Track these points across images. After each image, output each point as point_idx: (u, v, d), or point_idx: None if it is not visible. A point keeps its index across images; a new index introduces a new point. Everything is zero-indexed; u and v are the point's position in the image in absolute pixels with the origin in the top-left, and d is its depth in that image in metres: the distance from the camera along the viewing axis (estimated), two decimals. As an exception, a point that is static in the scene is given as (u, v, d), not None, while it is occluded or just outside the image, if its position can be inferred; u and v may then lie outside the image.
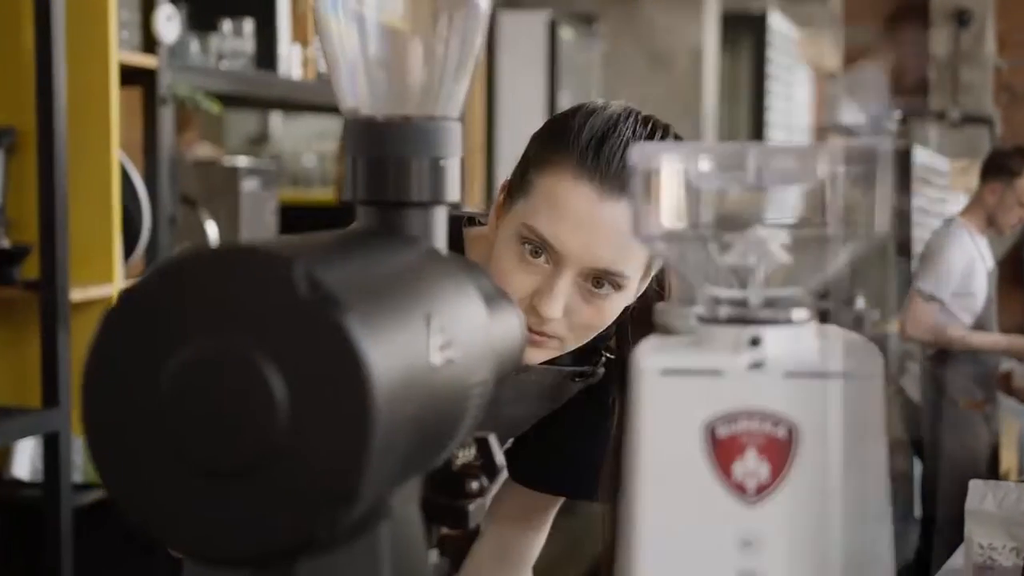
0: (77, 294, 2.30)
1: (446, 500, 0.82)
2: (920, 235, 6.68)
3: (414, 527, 0.69)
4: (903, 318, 4.19)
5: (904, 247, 6.31)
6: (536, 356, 1.25)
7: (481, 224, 1.37)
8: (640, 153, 0.68)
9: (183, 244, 2.76)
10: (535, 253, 1.20)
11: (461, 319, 0.71)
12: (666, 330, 0.78)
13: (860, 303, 5.59)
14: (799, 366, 0.65)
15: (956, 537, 4.22)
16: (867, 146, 0.65)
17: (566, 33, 5.30)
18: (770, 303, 0.68)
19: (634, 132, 1.22)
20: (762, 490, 0.65)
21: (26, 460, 2.51)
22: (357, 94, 0.76)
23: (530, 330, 1.21)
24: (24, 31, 2.29)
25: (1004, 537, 1.90)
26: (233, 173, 2.95)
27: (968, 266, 4.12)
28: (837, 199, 0.68)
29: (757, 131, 6.86)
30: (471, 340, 0.72)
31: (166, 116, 2.54)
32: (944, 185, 7.11)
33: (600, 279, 1.21)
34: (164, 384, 0.60)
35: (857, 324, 5.10)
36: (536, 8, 5.43)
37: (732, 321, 0.68)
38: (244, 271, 0.59)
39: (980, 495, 1.92)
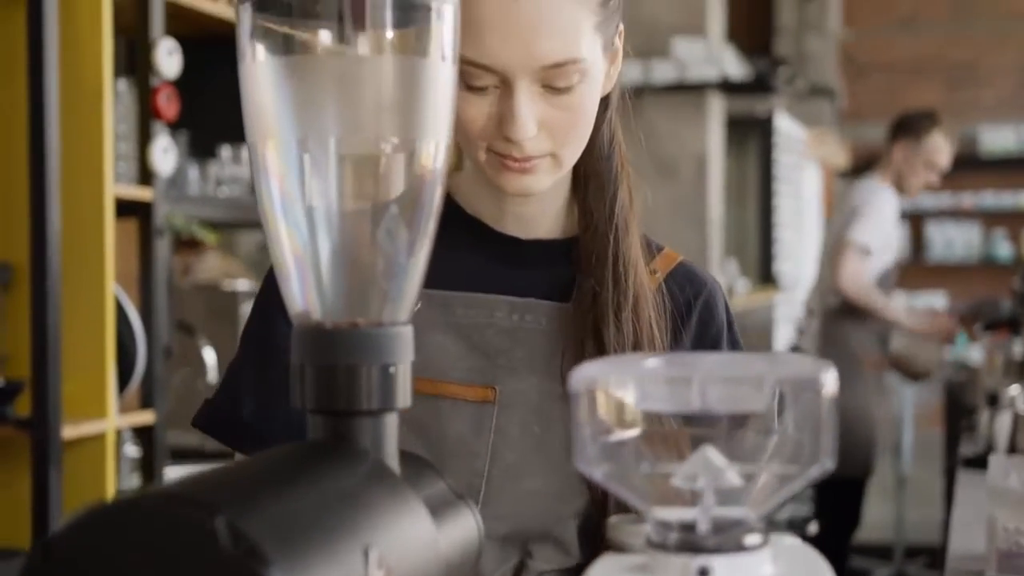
0: (70, 431, 2.28)
1: None
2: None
3: None
4: (836, 271, 4.10)
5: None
6: (537, 183, 1.13)
7: None
8: (581, 376, 0.67)
9: (181, 372, 2.75)
10: (479, 88, 1.08)
11: (405, 543, 0.69)
12: (619, 547, 0.76)
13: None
14: (749, 600, 0.63)
15: (839, 498, 4.19)
16: (810, 376, 0.64)
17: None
18: (720, 527, 0.66)
19: None
20: None
21: (18, 599, 2.48)
22: (306, 299, 0.75)
23: (515, 159, 1.11)
24: (19, 167, 2.31)
25: None
26: (233, 298, 2.95)
27: (892, 221, 4.13)
28: (782, 426, 0.66)
29: (765, 232, 6.86)
30: (416, 562, 0.70)
31: (162, 247, 2.55)
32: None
33: (557, 75, 1.08)
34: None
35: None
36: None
37: (681, 548, 0.66)
38: (164, 522, 0.57)
39: (1003, 471, 1.71)
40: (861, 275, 4.02)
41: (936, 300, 9.54)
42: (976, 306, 9.32)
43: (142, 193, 2.53)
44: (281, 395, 1.16)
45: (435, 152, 0.76)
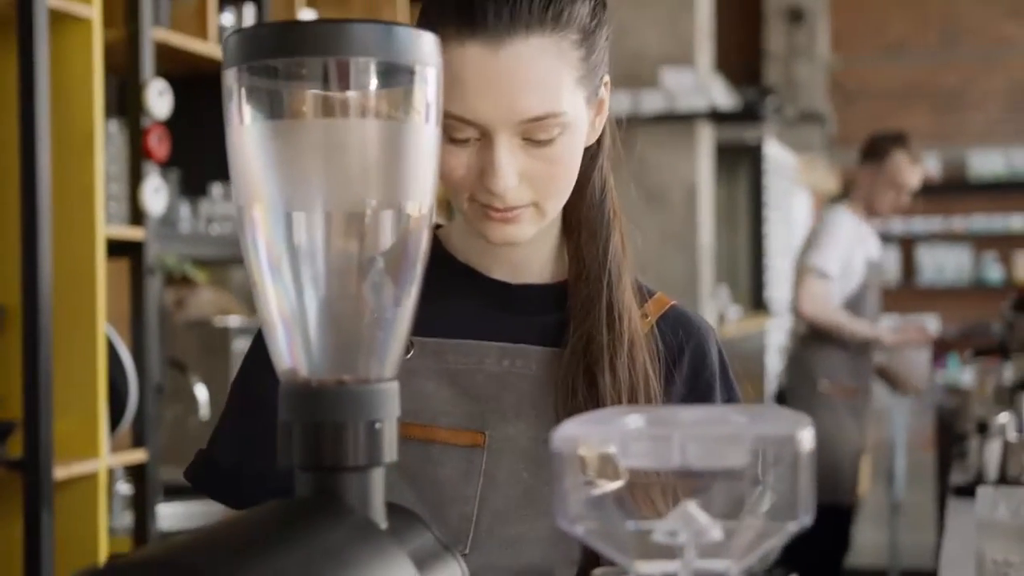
0: (62, 471, 2.29)
1: None
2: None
3: None
4: (796, 295, 4.16)
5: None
6: (520, 232, 1.14)
7: None
8: (563, 434, 0.68)
9: (173, 409, 2.75)
10: (460, 140, 1.10)
11: (391, 599, 0.70)
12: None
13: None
14: (730, 656, 0.64)
15: (822, 526, 4.17)
16: (787, 434, 0.65)
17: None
18: (702, 582, 0.68)
19: None
20: None
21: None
22: (293, 357, 0.76)
23: (497, 209, 1.12)
24: (11, 208, 2.32)
25: (1022, 550, 1.71)
26: (225, 334, 2.96)
27: (850, 248, 4.13)
28: (761, 482, 0.67)
29: (756, 258, 6.89)
30: (403, 619, 0.71)
31: (153, 286, 2.56)
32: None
33: (537, 129, 1.09)
34: None
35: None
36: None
37: (663, 603, 0.67)
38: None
39: (991, 503, 1.73)
40: (820, 298, 4.04)
41: (928, 323, 9.58)
42: (968, 329, 9.38)
43: (133, 233, 2.54)
44: (266, 451, 1.17)
45: (419, 211, 0.77)
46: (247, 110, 0.75)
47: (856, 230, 4.16)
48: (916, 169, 4.20)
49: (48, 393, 2.26)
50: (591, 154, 1.20)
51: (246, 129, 0.75)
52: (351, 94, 0.74)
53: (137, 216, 2.55)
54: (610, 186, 1.25)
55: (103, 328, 2.41)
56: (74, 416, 2.37)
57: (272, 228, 0.76)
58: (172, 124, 2.66)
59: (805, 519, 0.66)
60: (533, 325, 1.22)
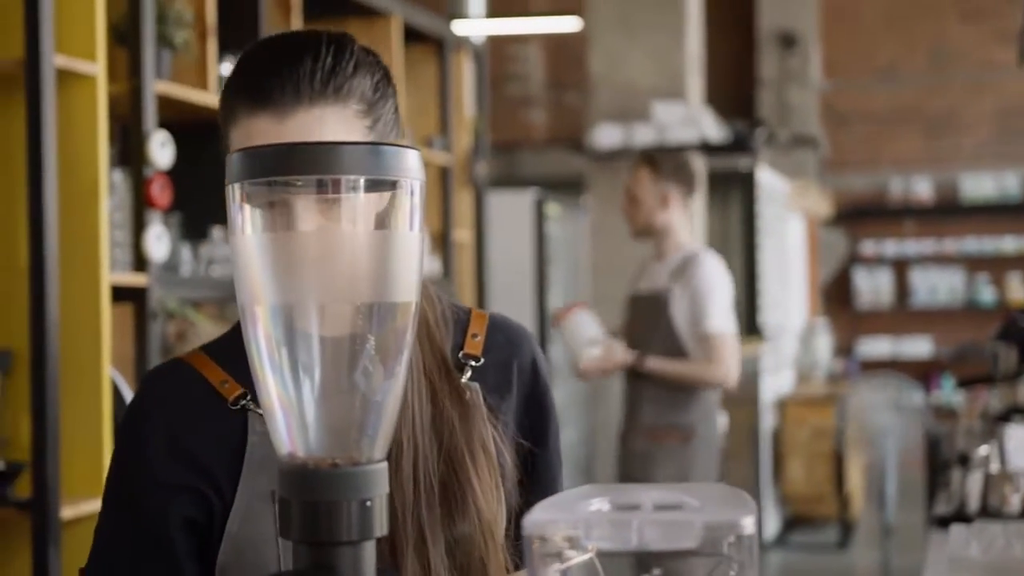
0: (69, 511, 2.37)
1: None
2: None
3: None
4: None
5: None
6: None
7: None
8: (532, 520, 0.76)
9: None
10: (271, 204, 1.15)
11: (380, 665, 0.78)
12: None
13: None
14: None
15: None
16: (731, 520, 0.73)
17: (552, 209, 5.47)
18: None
19: (293, 43, 1.19)
20: None
21: None
22: (292, 441, 0.85)
23: None
24: (19, 256, 2.40)
25: None
26: (225, 372, 3.03)
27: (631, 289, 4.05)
28: (711, 559, 0.75)
29: (750, 284, 6.96)
30: None
31: (156, 331, 2.64)
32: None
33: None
34: None
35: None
36: (524, 186, 5.65)
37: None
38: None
39: (963, 541, 1.79)
40: None
41: (921, 345, 9.66)
42: (961, 351, 9.46)
43: (137, 279, 2.63)
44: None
45: (406, 304, 0.86)
46: (248, 221, 0.84)
47: (637, 271, 4.08)
48: (630, 178, 3.96)
49: (55, 435, 2.35)
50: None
51: (247, 239, 0.83)
52: (342, 206, 0.82)
53: (140, 262, 2.64)
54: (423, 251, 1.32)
55: (108, 371, 2.49)
56: (80, 457, 2.45)
57: (272, 324, 0.84)
58: (174, 170, 2.74)
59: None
60: None
